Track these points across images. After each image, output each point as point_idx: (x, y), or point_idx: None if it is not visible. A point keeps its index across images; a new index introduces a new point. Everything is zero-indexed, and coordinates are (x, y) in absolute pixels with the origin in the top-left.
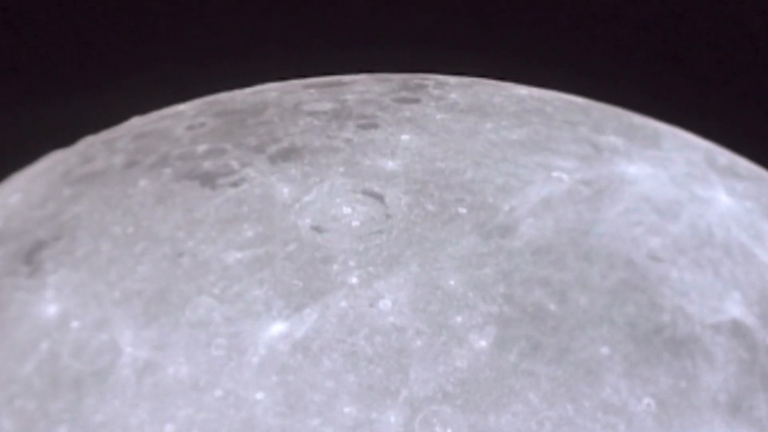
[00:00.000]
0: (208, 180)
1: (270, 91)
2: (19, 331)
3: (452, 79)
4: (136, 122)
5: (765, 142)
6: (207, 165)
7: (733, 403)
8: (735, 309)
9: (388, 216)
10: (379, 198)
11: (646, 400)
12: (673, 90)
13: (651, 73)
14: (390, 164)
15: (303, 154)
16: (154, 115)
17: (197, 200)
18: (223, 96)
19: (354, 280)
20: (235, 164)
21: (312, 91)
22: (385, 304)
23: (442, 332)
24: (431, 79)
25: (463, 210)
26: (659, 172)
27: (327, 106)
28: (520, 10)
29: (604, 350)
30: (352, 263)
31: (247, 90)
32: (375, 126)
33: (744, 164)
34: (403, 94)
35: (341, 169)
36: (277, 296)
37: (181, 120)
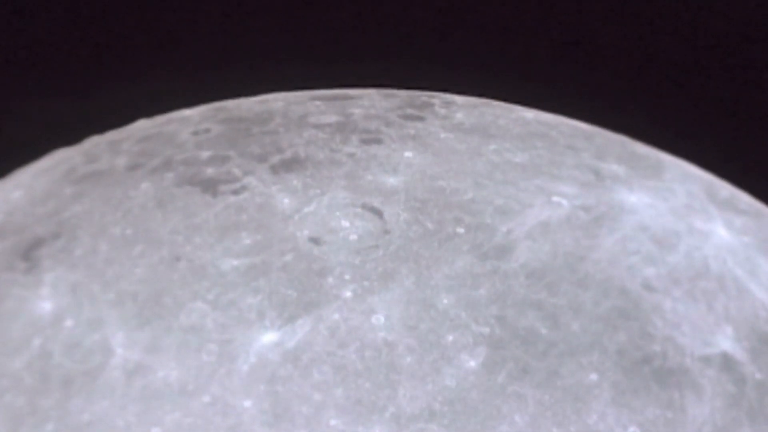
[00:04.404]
0: (209, 186)
1: (277, 100)
2: (12, 327)
3: (459, 99)
4: (142, 125)
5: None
6: (209, 171)
7: None
8: (726, 343)
9: (386, 232)
10: (379, 213)
11: (632, 429)
12: (679, 121)
13: (658, 102)
14: (391, 180)
15: (305, 166)
16: (160, 119)
17: (197, 206)
18: (230, 103)
19: (348, 293)
20: (237, 172)
21: (318, 103)
22: (378, 319)
23: (433, 350)
24: (438, 98)
25: (461, 230)
26: (659, 202)
27: (332, 119)
28: (532, 35)
29: (593, 377)
30: (347, 277)
31: (254, 98)
32: (379, 141)
33: (745, 199)
34: (409, 111)
35: (342, 183)
36: (270, 306)
37: (187, 125)
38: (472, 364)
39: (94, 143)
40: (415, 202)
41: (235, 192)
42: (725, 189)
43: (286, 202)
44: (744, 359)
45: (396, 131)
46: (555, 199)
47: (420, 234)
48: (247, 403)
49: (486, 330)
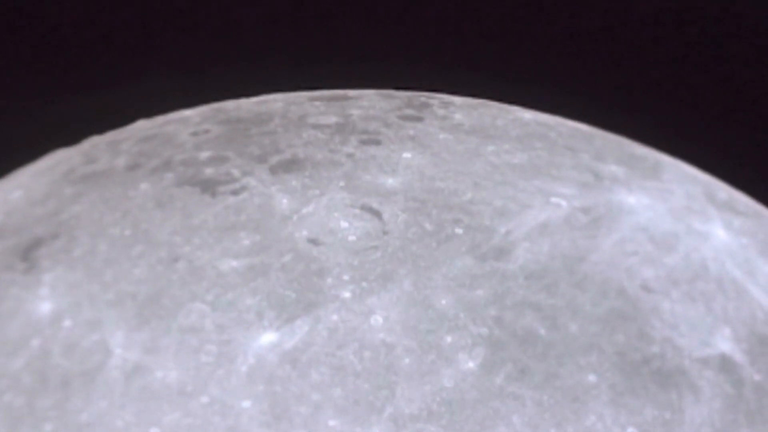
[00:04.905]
0: (208, 187)
1: (276, 101)
2: (11, 327)
3: (458, 100)
4: (141, 125)
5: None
6: (209, 172)
7: None
8: (724, 344)
9: (384, 232)
10: (377, 214)
11: (630, 430)
12: (678, 122)
13: (657, 103)
14: (390, 181)
15: (304, 167)
16: (160, 119)
17: (197, 206)
18: (230, 104)
19: (347, 294)
20: (236, 173)
21: (318, 103)
22: (376, 320)
23: (431, 351)
24: (437, 99)
25: (459, 231)
26: (658, 203)
27: (331, 119)
28: (531, 35)
29: (591, 378)
30: (346, 277)
31: (254, 99)
32: (377, 142)
33: (744, 200)
34: (408, 111)
35: (341, 184)
36: (269, 306)
37: (186, 126)
38: (471, 365)
39: (94, 144)
40: (414, 203)
41: (234, 192)
42: (724, 190)
43: (284, 202)
44: (742, 361)
45: (395, 132)
46: (554, 200)
47: (419, 235)
48: (246, 404)
49: (484, 331)
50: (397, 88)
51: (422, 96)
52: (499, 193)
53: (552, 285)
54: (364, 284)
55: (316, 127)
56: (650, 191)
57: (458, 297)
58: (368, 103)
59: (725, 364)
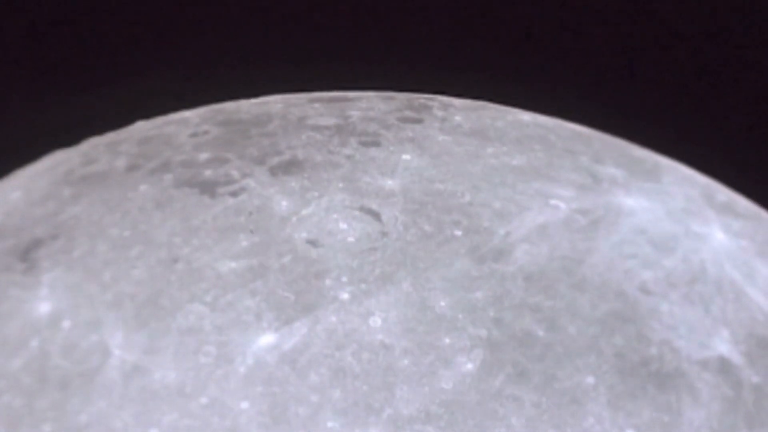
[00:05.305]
0: (207, 188)
1: (275, 102)
2: (10, 327)
3: (457, 102)
4: (140, 126)
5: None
6: (208, 173)
7: None
8: (722, 346)
9: (383, 234)
10: (376, 216)
11: None
12: (677, 124)
13: (656, 105)
14: (389, 183)
15: (304, 168)
16: (159, 120)
17: (196, 208)
18: (229, 105)
19: (346, 295)
20: (235, 174)
21: (317, 105)
22: (375, 321)
23: (430, 353)
24: (436, 100)
25: (458, 232)
26: (657, 205)
27: (331, 121)
28: (531, 37)
29: (590, 380)
30: (344, 279)
31: (253, 100)
32: (377, 144)
33: (743, 202)
34: (407, 113)
35: (340, 185)
36: (268, 307)
37: (186, 127)
38: (469, 366)
39: (93, 145)
40: (413, 205)
41: (234, 194)
42: (723, 193)
43: (284, 204)
44: (741, 363)
45: (394, 134)
46: (552, 202)
47: (417, 236)
48: (245, 405)
49: (483, 332)
50: (397, 89)
51: (422, 98)
52: (498, 195)
53: (551, 287)
54: (362, 286)
55: (316, 128)
56: (649, 193)
57: (457, 299)
58: (368, 104)
59: (724, 366)
